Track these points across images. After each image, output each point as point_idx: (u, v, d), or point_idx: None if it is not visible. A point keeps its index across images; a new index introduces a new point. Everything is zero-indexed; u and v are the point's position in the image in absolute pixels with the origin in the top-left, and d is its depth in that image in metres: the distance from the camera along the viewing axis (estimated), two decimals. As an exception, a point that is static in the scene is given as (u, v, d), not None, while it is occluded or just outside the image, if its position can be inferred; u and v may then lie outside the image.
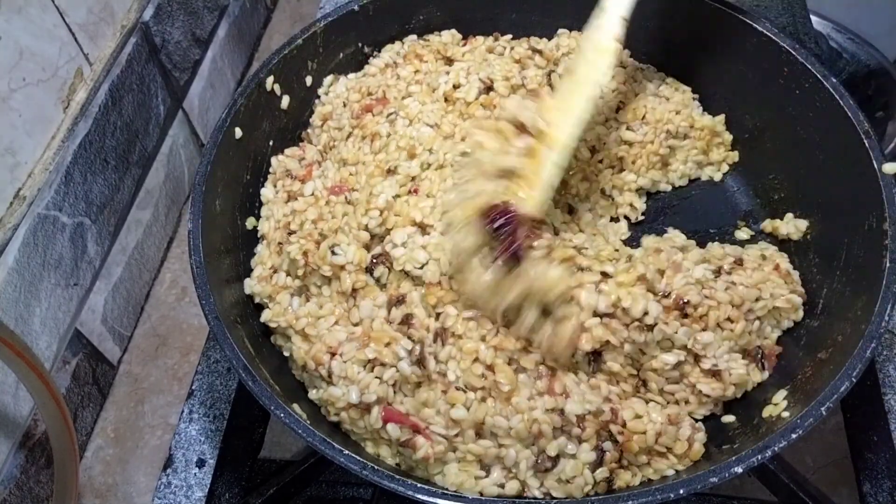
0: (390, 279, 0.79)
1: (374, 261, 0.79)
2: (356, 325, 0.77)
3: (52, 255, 0.81)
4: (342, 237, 0.80)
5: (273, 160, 0.90)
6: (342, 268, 0.78)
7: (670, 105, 0.94)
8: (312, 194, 0.85)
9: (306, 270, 0.80)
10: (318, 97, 0.96)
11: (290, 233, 0.83)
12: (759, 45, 0.88)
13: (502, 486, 0.69)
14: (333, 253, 0.78)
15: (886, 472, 0.80)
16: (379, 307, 0.77)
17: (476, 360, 0.71)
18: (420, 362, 0.71)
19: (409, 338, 0.73)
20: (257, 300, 0.81)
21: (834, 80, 0.81)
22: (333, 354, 0.74)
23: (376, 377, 0.71)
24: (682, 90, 0.96)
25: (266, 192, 0.88)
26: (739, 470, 0.61)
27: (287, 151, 0.91)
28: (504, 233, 0.70)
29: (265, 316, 0.80)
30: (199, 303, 0.71)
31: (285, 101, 0.91)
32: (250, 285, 0.81)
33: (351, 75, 0.97)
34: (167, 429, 0.91)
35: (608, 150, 0.92)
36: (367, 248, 0.80)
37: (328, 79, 0.96)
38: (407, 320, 0.74)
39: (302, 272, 0.80)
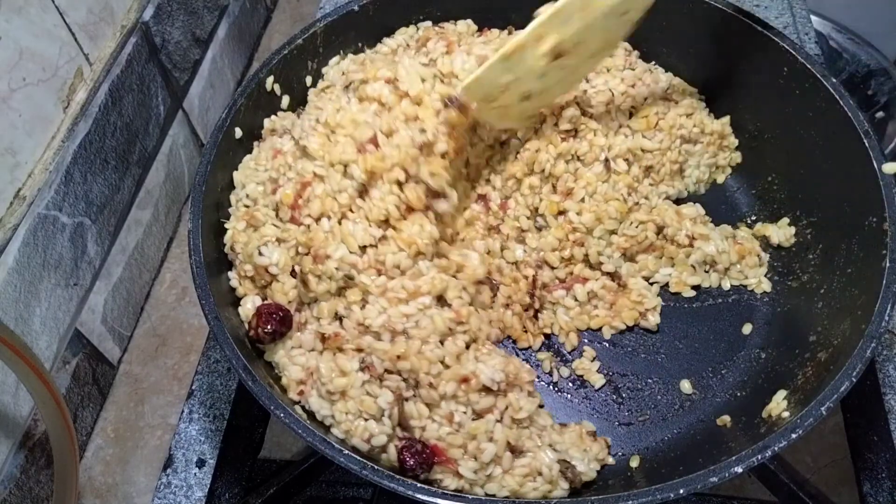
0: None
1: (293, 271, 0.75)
2: (310, 350, 0.74)
3: (52, 255, 0.81)
4: (268, 229, 0.77)
5: (266, 120, 0.89)
6: (266, 270, 0.76)
7: (680, 109, 0.93)
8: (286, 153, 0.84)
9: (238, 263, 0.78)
10: (322, 76, 0.95)
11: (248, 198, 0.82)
12: (759, 45, 0.88)
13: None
14: (260, 253, 0.76)
15: (886, 472, 0.80)
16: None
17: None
18: (402, 425, 0.69)
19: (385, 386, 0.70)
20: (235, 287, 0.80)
21: (834, 80, 0.81)
22: (302, 391, 0.72)
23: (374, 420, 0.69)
24: (689, 91, 0.96)
25: (247, 158, 0.87)
26: (739, 470, 0.61)
27: (280, 114, 0.91)
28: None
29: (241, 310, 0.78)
30: (199, 303, 0.71)
31: (285, 101, 0.91)
32: (231, 276, 0.80)
33: (360, 55, 0.96)
34: (167, 429, 0.91)
35: (639, 160, 0.90)
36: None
37: (335, 59, 0.95)
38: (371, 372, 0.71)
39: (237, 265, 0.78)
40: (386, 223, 0.77)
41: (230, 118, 0.83)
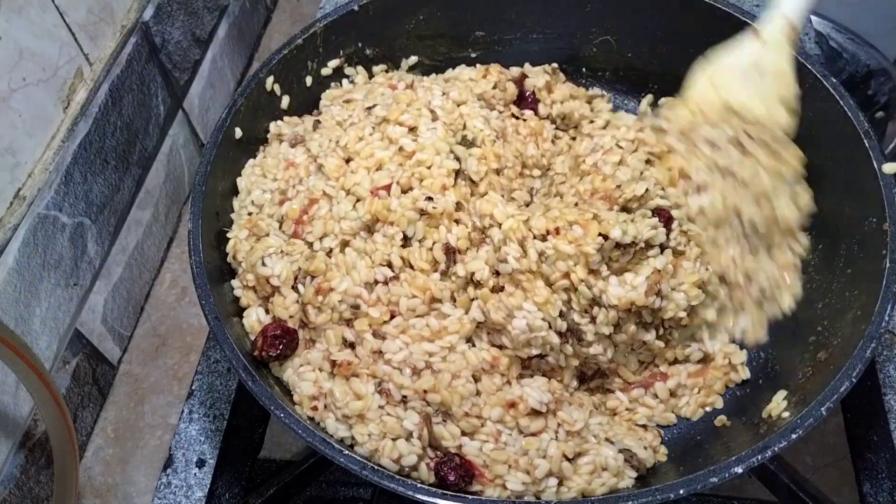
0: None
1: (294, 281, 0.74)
2: (320, 370, 0.72)
3: (52, 255, 0.81)
4: (272, 240, 0.76)
5: (272, 125, 0.89)
6: (267, 281, 0.75)
7: None
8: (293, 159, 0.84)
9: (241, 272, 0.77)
10: (331, 80, 0.95)
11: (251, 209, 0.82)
12: (759, 45, 0.87)
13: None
14: (263, 263, 0.75)
15: (886, 472, 0.80)
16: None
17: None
18: (433, 446, 0.67)
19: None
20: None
21: (834, 80, 0.81)
22: (316, 407, 0.71)
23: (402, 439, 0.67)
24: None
25: (251, 162, 0.87)
26: (739, 470, 0.61)
27: (286, 119, 0.91)
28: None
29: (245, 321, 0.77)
30: (199, 303, 0.71)
31: (285, 101, 0.91)
32: (234, 285, 0.80)
33: (392, 73, 0.97)
34: (167, 429, 0.91)
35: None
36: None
37: (334, 61, 0.94)
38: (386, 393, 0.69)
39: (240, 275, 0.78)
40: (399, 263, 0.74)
41: (230, 118, 0.83)
